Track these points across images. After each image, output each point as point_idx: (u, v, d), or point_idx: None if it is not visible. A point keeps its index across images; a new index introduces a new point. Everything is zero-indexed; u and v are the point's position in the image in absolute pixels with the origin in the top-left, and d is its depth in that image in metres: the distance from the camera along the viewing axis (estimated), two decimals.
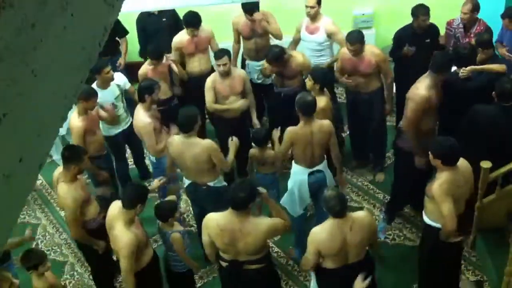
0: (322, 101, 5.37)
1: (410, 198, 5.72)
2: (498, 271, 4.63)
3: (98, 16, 1.23)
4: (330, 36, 6.42)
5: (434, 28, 6.29)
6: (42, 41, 1.02)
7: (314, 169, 5.10)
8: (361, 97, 5.97)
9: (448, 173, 4.14)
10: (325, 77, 5.53)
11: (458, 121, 5.19)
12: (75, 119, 5.40)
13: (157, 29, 7.02)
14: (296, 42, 6.76)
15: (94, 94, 5.45)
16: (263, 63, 6.19)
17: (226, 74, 5.90)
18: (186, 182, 5.32)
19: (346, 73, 5.98)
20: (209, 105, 6.00)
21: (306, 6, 6.35)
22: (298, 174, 5.14)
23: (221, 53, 5.88)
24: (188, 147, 4.98)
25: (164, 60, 6.30)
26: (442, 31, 6.57)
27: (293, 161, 5.20)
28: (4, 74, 0.95)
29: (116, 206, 4.42)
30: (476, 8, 6.17)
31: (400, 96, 6.50)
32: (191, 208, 6.30)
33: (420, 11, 6.06)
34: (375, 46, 5.95)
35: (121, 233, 4.24)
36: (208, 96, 5.93)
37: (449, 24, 6.49)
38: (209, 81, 5.96)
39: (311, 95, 5.00)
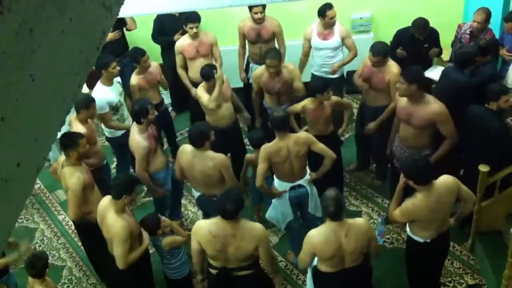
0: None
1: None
2: (497, 275, 4.63)
3: (96, 20, 1.23)
4: (342, 39, 6.39)
5: (434, 34, 6.30)
6: (39, 46, 1.02)
7: (296, 183, 5.05)
8: (367, 108, 5.95)
9: (422, 195, 4.14)
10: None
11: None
12: (77, 125, 5.37)
13: (176, 29, 7.03)
14: (306, 53, 6.60)
15: (93, 100, 5.50)
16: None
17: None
18: (196, 194, 5.28)
19: (363, 79, 5.92)
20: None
21: (331, 18, 6.25)
22: (279, 189, 5.11)
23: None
24: (200, 159, 4.91)
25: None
26: (452, 33, 6.58)
27: (274, 176, 5.14)
28: (1, 78, 0.95)
29: (106, 200, 4.50)
30: (488, 18, 6.13)
31: None
32: (189, 212, 6.31)
33: (418, 30, 6.09)
34: (397, 65, 5.69)
35: (113, 220, 4.32)
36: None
37: (459, 27, 6.51)
38: (204, 98, 5.74)
39: (283, 110, 4.93)
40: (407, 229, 4.49)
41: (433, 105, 4.89)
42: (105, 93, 5.88)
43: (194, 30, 6.41)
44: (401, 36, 6.36)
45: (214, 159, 4.89)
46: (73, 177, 4.77)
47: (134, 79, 6.22)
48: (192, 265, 4.86)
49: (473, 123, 5.00)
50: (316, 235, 4.03)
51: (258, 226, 4.21)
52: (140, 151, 5.25)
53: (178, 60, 6.62)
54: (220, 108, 5.78)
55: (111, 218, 4.33)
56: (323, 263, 4.12)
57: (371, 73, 5.76)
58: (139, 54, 6.12)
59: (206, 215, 5.35)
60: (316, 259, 4.20)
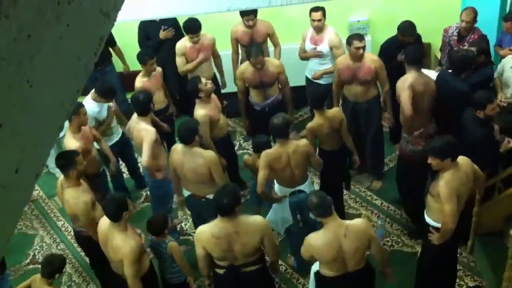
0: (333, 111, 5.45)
1: (403, 203, 5.88)
2: (497, 276, 4.63)
3: (94, 26, 1.24)
4: (331, 48, 6.34)
5: (419, 38, 6.35)
6: (38, 52, 1.03)
7: (296, 188, 5.04)
8: (360, 105, 5.95)
9: (452, 171, 4.17)
10: (319, 95, 5.49)
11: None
12: (69, 140, 5.25)
13: (158, 32, 6.98)
14: (303, 51, 6.63)
15: (81, 105, 5.32)
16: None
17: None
18: (186, 193, 5.26)
19: (344, 83, 5.93)
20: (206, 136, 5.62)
21: (313, 20, 6.25)
22: (280, 194, 5.10)
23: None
24: (189, 157, 4.92)
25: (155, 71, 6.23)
26: (439, 37, 6.61)
27: (275, 181, 5.15)
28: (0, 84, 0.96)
29: (106, 221, 4.36)
30: (476, 17, 6.14)
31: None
32: (188, 216, 6.29)
33: (408, 32, 6.07)
34: (373, 54, 5.90)
35: (122, 241, 4.22)
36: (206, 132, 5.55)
37: (445, 31, 6.52)
38: (202, 114, 5.54)
39: (282, 117, 4.89)
40: (427, 218, 4.44)
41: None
42: (91, 108, 5.76)
43: (195, 38, 6.38)
44: (389, 47, 6.30)
45: (203, 155, 4.91)
46: (79, 202, 4.64)
47: (139, 81, 6.18)
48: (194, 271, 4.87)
49: (464, 127, 5.01)
50: (315, 239, 4.02)
51: (258, 217, 4.29)
52: (150, 136, 5.22)
53: (180, 61, 6.51)
54: (219, 120, 5.77)
55: (119, 239, 4.22)
56: (325, 266, 4.10)
57: (354, 70, 5.77)
58: (147, 56, 6.09)
59: (197, 216, 5.35)
60: (318, 263, 4.19)
